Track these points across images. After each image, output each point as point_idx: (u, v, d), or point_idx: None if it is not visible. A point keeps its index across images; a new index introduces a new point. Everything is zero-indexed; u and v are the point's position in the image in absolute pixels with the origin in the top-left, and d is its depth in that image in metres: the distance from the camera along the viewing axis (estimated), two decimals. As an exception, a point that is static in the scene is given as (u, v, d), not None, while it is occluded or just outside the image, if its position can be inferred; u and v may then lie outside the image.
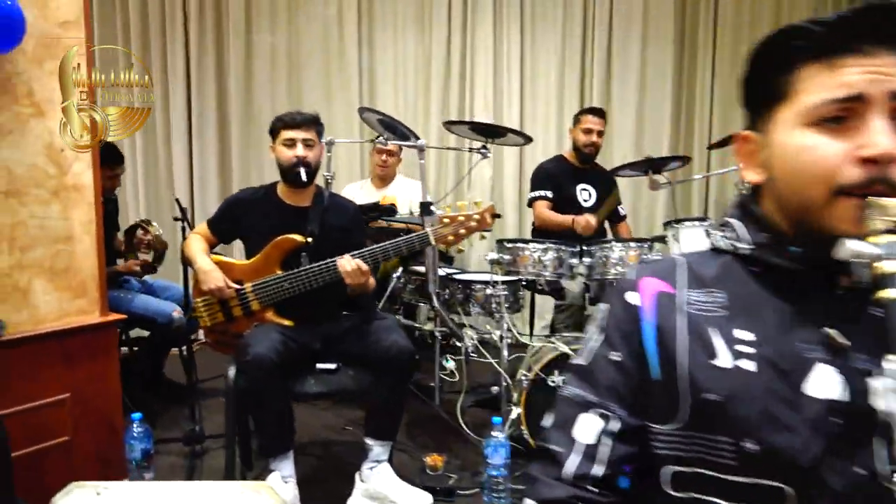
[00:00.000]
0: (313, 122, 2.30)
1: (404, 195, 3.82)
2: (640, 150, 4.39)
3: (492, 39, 4.37)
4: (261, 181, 4.34)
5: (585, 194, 3.49)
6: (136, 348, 3.16)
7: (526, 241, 2.67)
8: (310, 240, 2.25)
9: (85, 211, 2.21)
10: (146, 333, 3.04)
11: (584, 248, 2.70)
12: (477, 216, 2.15)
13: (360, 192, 3.75)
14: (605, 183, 3.60)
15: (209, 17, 4.29)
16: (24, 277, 2.07)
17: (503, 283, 2.66)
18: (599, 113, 3.45)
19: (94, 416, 2.28)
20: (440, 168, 4.53)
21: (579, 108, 4.44)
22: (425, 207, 2.63)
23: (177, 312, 2.93)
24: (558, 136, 4.45)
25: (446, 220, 2.14)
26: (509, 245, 2.67)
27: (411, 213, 3.81)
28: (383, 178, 3.83)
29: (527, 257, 2.61)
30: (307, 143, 2.27)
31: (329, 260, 2.16)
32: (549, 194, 3.37)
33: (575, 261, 2.67)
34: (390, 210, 3.17)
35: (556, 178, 3.40)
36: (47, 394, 2.15)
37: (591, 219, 3.08)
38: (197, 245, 2.35)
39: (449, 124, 3.08)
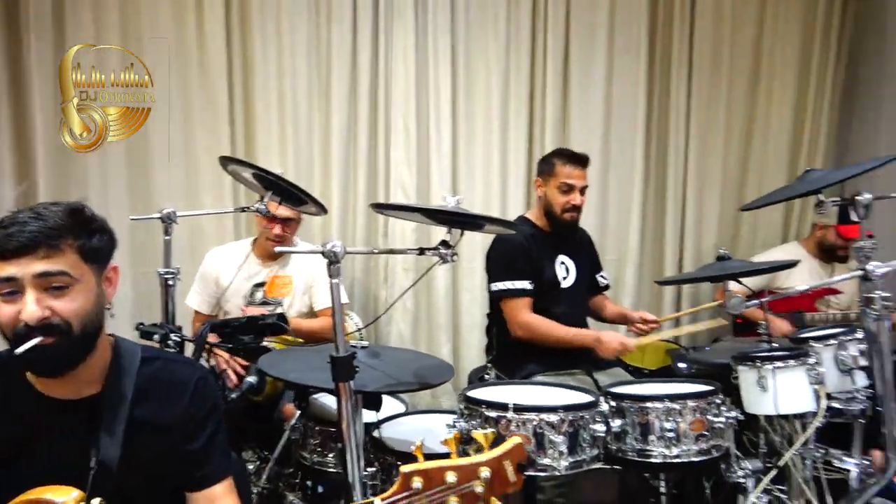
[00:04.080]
0: (63, 235, 1.04)
1: (302, 274, 2.58)
2: (604, 184, 3.37)
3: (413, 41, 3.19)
4: None
5: (563, 270, 2.44)
6: None
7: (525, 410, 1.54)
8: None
9: None
10: None
11: (613, 397, 1.65)
12: (486, 471, 0.97)
13: (236, 264, 2.43)
14: (585, 246, 2.59)
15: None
16: None
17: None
18: (584, 162, 2.36)
19: None
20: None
21: (527, 139, 3.32)
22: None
23: None
24: (502, 188, 3.30)
25: (417, 485, 0.95)
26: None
27: (310, 308, 2.57)
28: (272, 254, 2.57)
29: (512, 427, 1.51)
30: (54, 287, 1.03)
31: None
32: (529, 286, 2.25)
33: (599, 426, 1.60)
34: (275, 328, 1.86)
35: (531, 257, 2.30)
36: None
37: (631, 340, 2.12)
38: None
39: (381, 208, 1.83)
